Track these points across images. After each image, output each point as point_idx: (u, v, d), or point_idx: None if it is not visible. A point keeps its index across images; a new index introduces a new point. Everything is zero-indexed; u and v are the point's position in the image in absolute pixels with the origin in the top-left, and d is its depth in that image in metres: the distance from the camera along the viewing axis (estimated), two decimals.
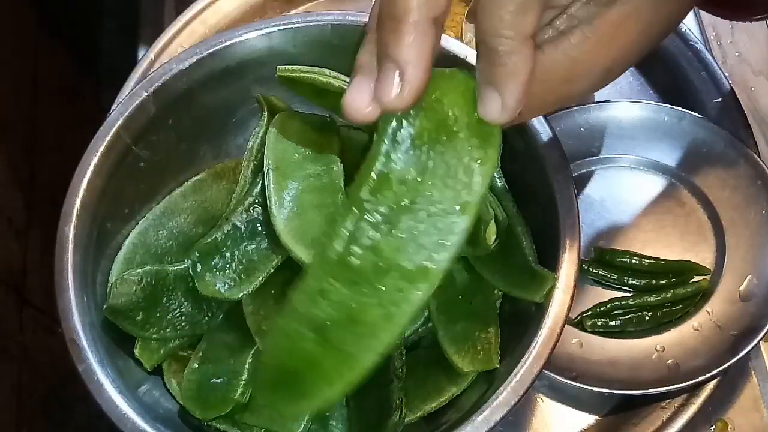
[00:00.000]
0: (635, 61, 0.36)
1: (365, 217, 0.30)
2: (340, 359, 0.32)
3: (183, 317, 0.51)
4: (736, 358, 0.56)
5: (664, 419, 0.58)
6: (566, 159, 0.48)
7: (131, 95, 0.51)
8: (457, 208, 0.30)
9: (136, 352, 0.50)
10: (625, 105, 0.65)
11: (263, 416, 0.49)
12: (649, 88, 0.72)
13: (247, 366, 0.49)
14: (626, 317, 0.60)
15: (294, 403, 0.33)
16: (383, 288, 0.30)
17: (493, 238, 0.47)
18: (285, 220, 0.48)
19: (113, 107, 0.52)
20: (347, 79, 0.49)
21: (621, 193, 0.66)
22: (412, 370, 0.49)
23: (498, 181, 0.50)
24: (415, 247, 0.30)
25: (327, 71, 0.50)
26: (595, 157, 0.66)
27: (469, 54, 0.50)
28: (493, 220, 0.47)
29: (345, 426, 0.49)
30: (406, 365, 0.48)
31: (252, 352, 0.49)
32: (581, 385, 0.56)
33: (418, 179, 0.30)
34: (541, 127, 0.49)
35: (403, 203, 0.30)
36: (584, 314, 0.61)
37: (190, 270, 0.49)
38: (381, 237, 0.30)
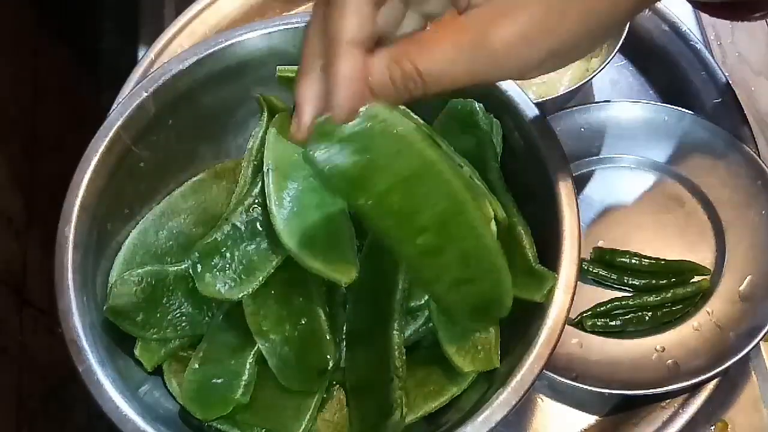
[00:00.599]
0: (578, 45, 0.34)
1: None
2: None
3: (183, 317, 0.51)
4: (736, 358, 0.56)
5: (664, 419, 0.58)
6: (566, 159, 0.48)
7: (131, 95, 0.51)
8: None
9: (137, 352, 0.50)
10: (625, 105, 0.65)
11: (263, 416, 0.49)
12: (649, 88, 0.72)
13: (247, 366, 0.49)
14: (626, 317, 0.60)
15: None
16: None
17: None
18: (285, 220, 0.48)
19: (113, 107, 0.52)
20: None
21: (621, 193, 0.66)
22: (413, 370, 0.49)
23: (498, 181, 0.50)
24: None
25: None
26: (595, 157, 0.66)
27: None
28: (493, 220, 0.47)
29: None
30: (407, 365, 0.48)
31: (252, 352, 0.49)
32: (581, 386, 0.56)
33: None
34: (541, 127, 0.49)
35: None
36: (584, 314, 0.61)
37: (190, 270, 0.49)
38: None
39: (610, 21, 0.34)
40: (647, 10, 0.70)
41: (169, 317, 0.50)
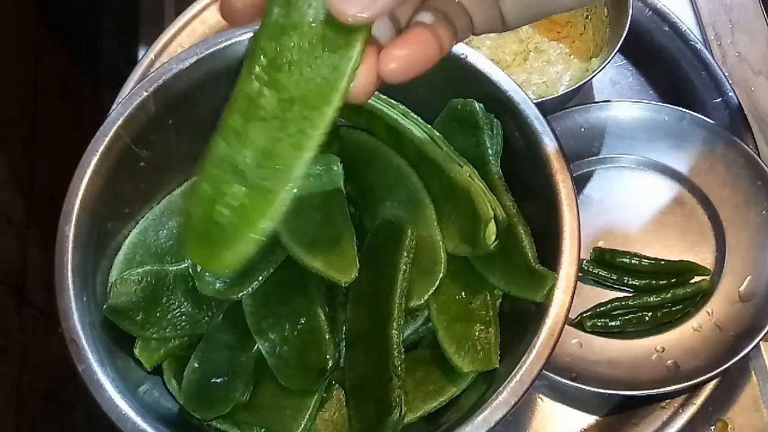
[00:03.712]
0: None
1: (263, 59, 0.33)
2: (260, 197, 0.34)
3: (183, 317, 0.51)
4: (736, 359, 0.56)
5: (664, 419, 0.58)
6: (566, 159, 0.48)
7: (131, 95, 0.51)
8: (344, 42, 0.32)
9: (136, 351, 0.50)
10: (625, 105, 0.65)
11: (263, 416, 0.49)
12: (649, 88, 0.72)
13: (246, 366, 0.49)
14: (626, 317, 0.60)
15: (221, 255, 0.35)
16: (290, 119, 0.33)
17: (493, 238, 0.47)
18: (285, 219, 0.48)
19: (113, 107, 0.52)
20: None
21: (621, 193, 0.66)
22: (412, 370, 0.49)
23: (498, 181, 0.50)
24: (315, 74, 0.32)
25: None
26: (595, 157, 0.66)
27: (468, 53, 0.50)
28: (492, 220, 0.47)
29: None
30: (406, 365, 0.48)
31: (252, 351, 0.49)
32: (581, 386, 0.56)
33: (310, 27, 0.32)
34: (541, 127, 0.49)
35: (301, 45, 0.32)
36: (584, 314, 0.61)
37: (190, 270, 0.49)
38: (282, 75, 0.32)
39: None
40: (647, 10, 0.71)
41: (168, 317, 0.50)
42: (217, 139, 0.35)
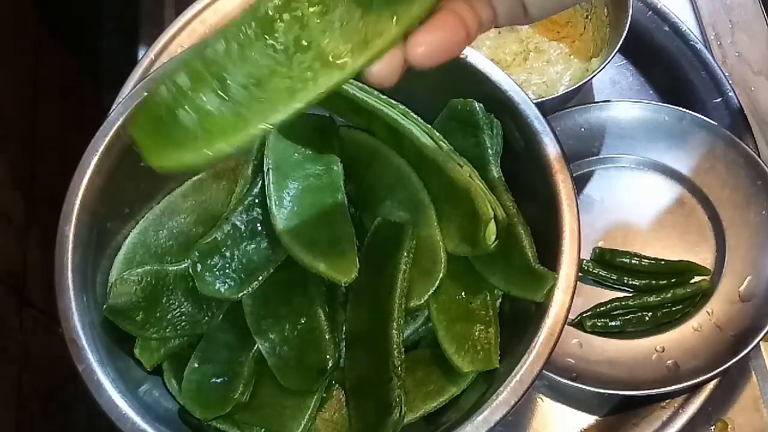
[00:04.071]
0: None
1: None
2: (231, 118, 0.31)
3: (183, 317, 0.51)
4: (736, 359, 0.56)
5: (664, 419, 0.58)
6: (566, 159, 0.48)
7: (131, 95, 0.51)
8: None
9: (136, 351, 0.50)
10: (625, 105, 0.65)
11: (263, 416, 0.49)
12: (649, 88, 0.72)
13: (246, 365, 0.49)
14: (626, 318, 0.60)
15: (164, 153, 0.32)
16: (297, 62, 0.30)
17: (493, 238, 0.47)
18: (285, 220, 0.48)
19: (113, 107, 0.52)
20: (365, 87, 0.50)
21: (621, 193, 0.66)
22: (412, 370, 0.49)
23: (498, 180, 0.50)
24: (341, 36, 0.30)
25: None
26: (595, 157, 0.66)
27: (468, 53, 0.50)
28: (492, 220, 0.47)
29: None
30: (406, 365, 0.48)
31: (252, 351, 0.49)
32: (581, 386, 0.56)
33: None
34: (541, 127, 0.49)
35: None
36: (584, 314, 0.61)
37: (190, 270, 0.49)
38: (313, 15, 0.30)
39: None
40: (647, 10, 0.71)
41: (168, 317, 0.50)
42: (217, 36, 0.31)
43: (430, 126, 0.52)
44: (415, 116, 0.51)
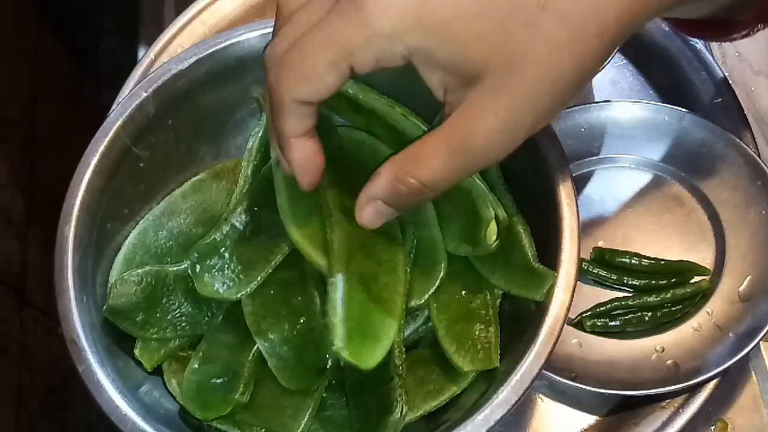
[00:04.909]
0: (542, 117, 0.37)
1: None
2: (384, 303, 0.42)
3: (183, 317, 0.51)
4: (736, 358, 0.56)
5: (664, 419, 0.58)
6: (566, 159, 0.48)
7: (131, 95, 0.51)
8: None
9: (137, 352, 0.50)
10: (625, 105, 0.65)
11: (263, 416, 0.49)
12: (649, 88, 0.72)
13: (246, 366, 0.49)
14: (626, 317, 0.60)
15: (376, 348, 0.41)
16: None
17: (494, 238, 0.47)
18: (293, 215, 0.48)
19: (113, 107, 0.52)
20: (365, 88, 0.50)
21: (621, 193, 0.66)
22: (413, 370, 0.49)
23: (498, 180, 0.50)
24: None
25: None
26: (595, 157, 0.66)
27: None
28: (493, 220, 0.47)
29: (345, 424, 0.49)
30: (406, 364, 0.48)
31: (252, 351, 0.49)
32: (581, 386, 0.56)
33: None
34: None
35: None
36: (584, 314, 0.61)
37: (189, 270, 0.49)
38: None
39: (577, 84, 0.36)
40: None
41: (168, 317, 0.50)
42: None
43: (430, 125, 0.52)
44: (414, 116, 0.51)
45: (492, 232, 0.47)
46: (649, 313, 0.60)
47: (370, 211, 0.40)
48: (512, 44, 0.34)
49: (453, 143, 0.36)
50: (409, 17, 0.33)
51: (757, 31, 0.47)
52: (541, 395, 0.61)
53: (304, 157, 0.39)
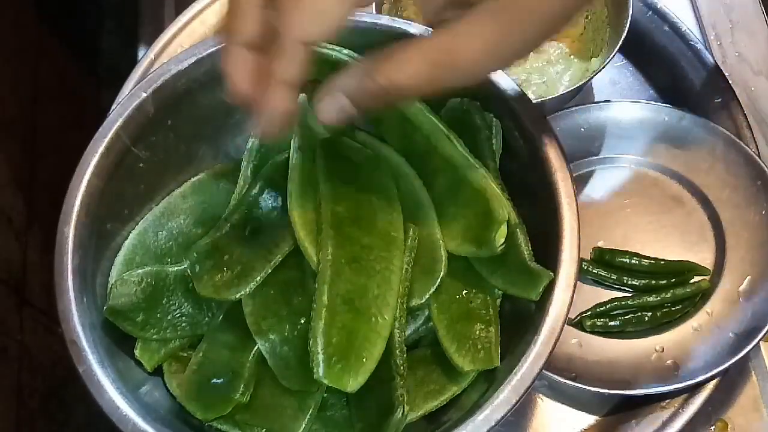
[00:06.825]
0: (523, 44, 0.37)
1: None
2: (369, 321, 0.44)
3: (183, 318, 0.51)
4: (736, 358, 0.56)
5: (664, 419, 0.58)
6: (566, 159, 0.48)
7: (130, 96, 0.51)
8: None
9: (137, 352, 0.50)
10: (625, 105, 0.65)
11: (264, 416, 0.49)
12: (649, 88, 0.72)
13: (247, 366, 0.49)
14: (626, 317, 0.60)
15: (358, 371, 0.44)
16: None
17: (502, 240, 0.47)
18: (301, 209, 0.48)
19: (113, 107, 0.52)
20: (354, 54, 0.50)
21: (621, 193, 0.66)
22: (413, 370, 0.49)
23: (495, 180, 0.50)
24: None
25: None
26: (595, 157, 0.66)
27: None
28: (506, 222, 0.47)
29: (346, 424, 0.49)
30: (407, 364, 0.48)
31: (252, 351, 0.49)
32: (581, 386, 0.56)
33: None
34: (541, 127, 0.49)
35: None
36: (584, 314, 0.61)
37: (189, 271, 0.49)
38: None
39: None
40: (647, 10, 0.71)
41: (169, 317, 0.50)
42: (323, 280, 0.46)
43: (445, 123, 0.51)
44: (431, 113, 0.51)
45: (502, 234, 0.47)
46: (649, 313, 0.60)
47: (330, 102, 0.39)
48: None
49: (434, 55, 0.37)
50: None
51: None
52: (541, 395, 0.61)
53: (282, 106, 0.39)
